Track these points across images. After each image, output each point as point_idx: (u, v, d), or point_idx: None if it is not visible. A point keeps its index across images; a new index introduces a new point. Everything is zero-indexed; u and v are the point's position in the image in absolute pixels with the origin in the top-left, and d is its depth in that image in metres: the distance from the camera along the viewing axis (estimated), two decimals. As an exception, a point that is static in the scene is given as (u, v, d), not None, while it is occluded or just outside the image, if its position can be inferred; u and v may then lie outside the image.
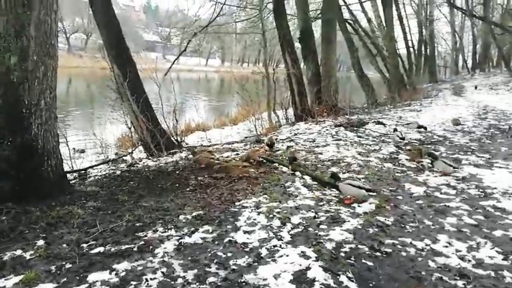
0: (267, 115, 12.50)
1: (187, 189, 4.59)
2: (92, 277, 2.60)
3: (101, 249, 3.00)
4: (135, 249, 3.04)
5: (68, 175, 5.02)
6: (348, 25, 19.92)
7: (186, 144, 8.37)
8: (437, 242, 3.07)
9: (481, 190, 4.26)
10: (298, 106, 11.42)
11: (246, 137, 7.18)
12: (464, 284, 2.49)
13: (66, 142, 6.97)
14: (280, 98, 12.86)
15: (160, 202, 4.10)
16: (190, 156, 6.10)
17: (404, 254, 2.90)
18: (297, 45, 12.85)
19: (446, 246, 3.00)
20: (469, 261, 2.78)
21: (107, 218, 3.63)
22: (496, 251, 2.89)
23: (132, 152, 7.01)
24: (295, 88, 11.58)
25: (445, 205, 3.85)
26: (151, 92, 8.56)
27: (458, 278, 2.55)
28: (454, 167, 4.72)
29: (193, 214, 3.73)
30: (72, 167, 6.35)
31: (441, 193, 4.22)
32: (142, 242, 3.15)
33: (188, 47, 13.90)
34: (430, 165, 5.04)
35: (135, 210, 3.85)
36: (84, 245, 3.05)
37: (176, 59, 11.77)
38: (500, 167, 5.13)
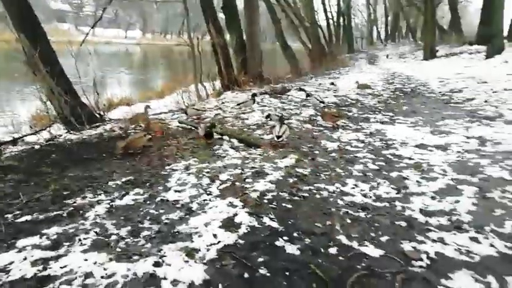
0: (194, 87, 12.43)
1: (115, 158, 4.58)
2: (21, 243, 2.59)
3: (28, 217, 2.96)
4: (65, 215, 3.05)
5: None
6: (270, -5, 20.13)
7: (109, 118, 8.07)
8: (346, 185, 3.55)
9: (384, 142, 4.91)
10: (225, 76, 11.55)
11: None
12: (365, 214, 2.97)
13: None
14: (207, 70, 12.84)
15: (87, 171, 4.06)
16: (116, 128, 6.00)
17: (318, 196, 3.32)
18: (222, 15, 12.81)
19: (353, 188, 3.49)
20: (370, 197, 3.29)
21: (31, 189, 3.53)
22: (392, 188, 3.45)
23: (50, 127, 6.61)
24: (221, 58, 11.66)
25: (354, 156, 4.39)
26: (66, 66, 8.02)
27: (360, 210, 3.03)
28: (283, 122, 5.33)
29: (123, 180, 3.79)
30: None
31: (351, 146, 4.77)
32: (72, 208, 3.16)
33: (104, 16, 13.04)
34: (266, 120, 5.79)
35: (61, 180, 3.78)
36: (9, 215, 2.98)
37: (92, 27, 10.99)
38: (400, 123, 5.89)
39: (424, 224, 2.78)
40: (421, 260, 2.34)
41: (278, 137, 4.62)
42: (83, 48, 10.63)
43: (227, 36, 12.52)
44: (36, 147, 5.16)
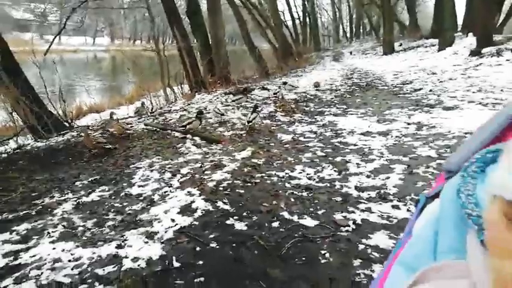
0: (163, 90, 12.64)
1: (82, 161, 4.81)
2: (-9, 239, 2.83)
3: (-3, 217, 3.19)
4: (33, 213, 3.29)
5: None
6: (234, -2, 20.49)
7: (77, 126, 8.19)
8: (295, 170, 3.94)
9: (334, 132, 5.34)
10: (192, 79, 11.82)
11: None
12: (308, 193, 3.36)
13: None
14: (177, 73, 13.07)
15: (54, 174, 4.29)
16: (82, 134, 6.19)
17: (269, 181, 3.69)
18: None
19: (301, 172, 3.88)
20: (314, 179, 3.68)
21: (-1, 193, 3.73)
22: (334, 171, 3.86)
23: (17, 136, 6.70)
24: (187, 61, 11.93)
25: (305, 145, 4.79)
26: (32, 76, 8.10)
27: (304, 191, 3.42)
28: (255, 111, 5.83)
29: (89, 179, 4.04)
30: None
31: (304, 137, 5.18)
32: (41, 207, 3.40)
33: (69, 24, 13.06)
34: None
35: (29, 183, 4.00)
36: (-22, 218, 3.20)
37: (56, 36, 11.02)
38: (352, 114, 6.36)
39: (357, 198, 3.20)
40: (349, 226, 2.74)
41: (248, 121, 5.47)
42: (49, 57, 10.66)
43: (193, 40, 12.81)
44: (3, 156, 5.31)
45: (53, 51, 10.96)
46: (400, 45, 19.90)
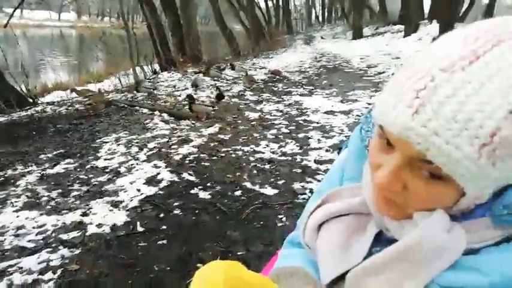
0: (132, 69, 12.38)
1: (46, 135, 4.75)
2: (-48, 209, 2.82)
3: (-43, 189, 3.15)
4: (-5, 185, 3.28)
5: None
6: (206, -23, 20.08)
7: (41, 102, 7.96)
8: (259, 145, 4.09)
9: (299, 110, 5.52)
10: (162, 57, 11.65)
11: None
12: (270, 166, 3.53)
13: None
14: (147, 52, 12.82)
15: (17, 148, 4.23)
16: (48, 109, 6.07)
17: (234, 155, 3.82)
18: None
19: (265, 147, 4.03)
20: (277, 153, 3.85)
21: (-43, 166, 3.66)
22: (296, 146, 4.04)
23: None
24: (156, 39, 11.73)
25: (271, 122, 4.95)
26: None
27: (267, 163, 3.58)
28: (213, 107, 5.57)
29: (54, 153, 4.03)
30: None
31: (271, 115, 5.33)
32: (3, 179, 3.39)
33: (30, -4, 12.45)
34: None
35: (-11, 156, 3.94)
36: None
37: (16, 8, 10.48)
38: (317, 94, 6.56)
39: (315, 170, 3.40)
40: (305, 194, 2.94)
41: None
42: (11, 32, 10.15)
43: (162, 17, 12.56)
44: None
45: (15, 25, 10.43)
46: (376, 28, 20.25)
